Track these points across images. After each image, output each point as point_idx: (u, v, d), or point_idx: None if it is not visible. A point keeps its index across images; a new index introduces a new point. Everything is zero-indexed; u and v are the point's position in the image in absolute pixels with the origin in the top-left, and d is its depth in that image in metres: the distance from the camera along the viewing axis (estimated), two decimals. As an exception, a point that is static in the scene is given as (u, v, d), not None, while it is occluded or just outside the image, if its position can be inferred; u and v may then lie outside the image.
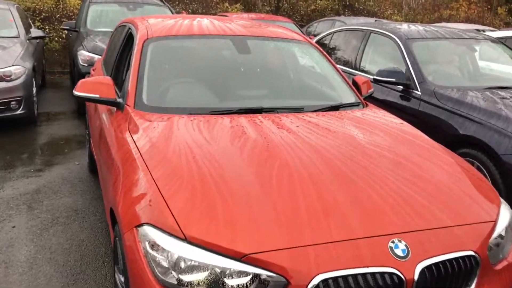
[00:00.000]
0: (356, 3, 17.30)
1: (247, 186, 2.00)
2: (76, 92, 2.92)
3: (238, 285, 1.72)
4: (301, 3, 16.08)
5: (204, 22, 3.56)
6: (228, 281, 1.73)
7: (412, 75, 4.51)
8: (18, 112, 5.87)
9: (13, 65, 5.86)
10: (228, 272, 1.73)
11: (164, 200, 1.91)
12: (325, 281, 1.71)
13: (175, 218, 1.82)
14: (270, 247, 1.74)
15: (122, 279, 2.29)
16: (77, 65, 6.78)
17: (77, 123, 6.53)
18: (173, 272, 1.76)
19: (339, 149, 2.38)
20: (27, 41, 6.87)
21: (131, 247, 1.91)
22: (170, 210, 1.86)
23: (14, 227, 3.55)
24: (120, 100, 2.91)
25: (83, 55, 6.63)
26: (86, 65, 6.57)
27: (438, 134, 3.72)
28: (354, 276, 1.73)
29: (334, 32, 6.28)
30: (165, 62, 3.15)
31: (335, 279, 1.72)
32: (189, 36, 3.31)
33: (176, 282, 1.76)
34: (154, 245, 1.82)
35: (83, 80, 2.95)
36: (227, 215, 1.84)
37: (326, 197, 1.99)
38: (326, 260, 1.73)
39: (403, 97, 4.57)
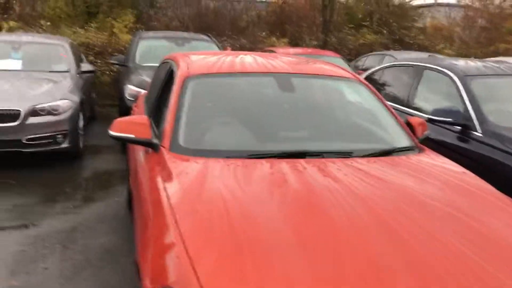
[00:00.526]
0: (406, 37, 16.93)
1: (285, 247, 1.74)
2: (111, 132, 2.80)
3: None
4: (349, 37, 15.89)
5: (247, 59, 3.41)
6: None
7: (471, 115, 4.15)
8: (63, 145, 5.89)
9: (60, 99, 5.93)
10: None
11: (190, 260, 1.69)
12: None
13: (200, 283, 1.60)
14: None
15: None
16: (123, 99, 6.83)
17: (121, 157, 6.49)
18: None
19: (392, 204, 2.10)
20: (77, 75, 7.00)
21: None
22: (196, 272, 1.63)
23: (46, 269, 3.43)
24: (156, 140, 2.76)
25: (130, 89, 6.67)
26: (132, 99, 6.58)
27: (502, 182, 3.34)
28: None
29: (385, 68, 6.01)
30: (204, 101, 3.00)
31: None
32: (230, 74, 3.16)
33: None
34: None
35: (118, 119, 2.84)
36: (259, 282, 1.59)
37: (376, 261, 1.71)
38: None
39: (461, 139, 4.21)
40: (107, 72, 11.17)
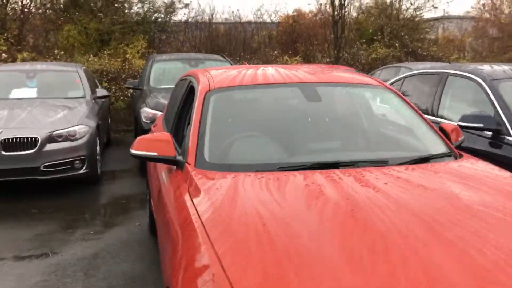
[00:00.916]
0: (419, 49, 16.78)
1: (333, 264, 1.58)
2: (133, 151, 2.69)
3: None
4: (361, 52, 15.79)
5: (269, 71, 3.29)
6: None
7: (503, 119, 3.97)
8: (82, 171, 5.80)
9: (77, 125, 5.87)
10: None
11: (229, 281, 1.53)
12: None
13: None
14: None
15: None
16: (139, 122, 6.75)
17: (139, 181, 6.39)
18: None
19: (441, 211, 1.93)
20: (92, 101, 6.97)
21: None
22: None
23: (68, 298, 3.29)
24: (180, 157, 2.63)
25: (146, 112, 6.59)
26: (149, 121, 6.51)
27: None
28: None
29: (405, 77, 5.85)
30: (228, 115, 2.87)
31: None
32: (253, 86, 3.04)
33: None
34: None
35: (140, 137, 2.73)
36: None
37: (433, 273, 1.53)
38: None
39: (493, 144, 4.02)
40: (122, 98, 11.18)
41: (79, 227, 4.63)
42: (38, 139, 5.46)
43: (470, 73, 4.60)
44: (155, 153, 2.63)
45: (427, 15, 18.50)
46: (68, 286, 3.43)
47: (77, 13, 12.29)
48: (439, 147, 2.80)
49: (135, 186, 6.15)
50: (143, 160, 2.87)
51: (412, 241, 1.70)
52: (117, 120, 10.88)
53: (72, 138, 5.75)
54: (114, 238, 4.36)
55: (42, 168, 5.50)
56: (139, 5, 13.65)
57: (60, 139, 5.65)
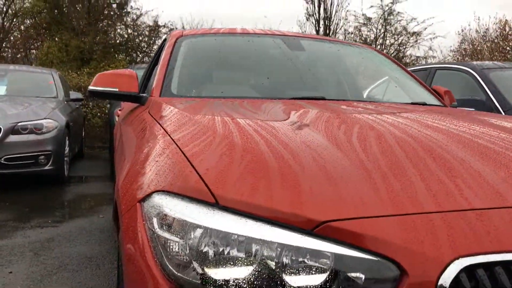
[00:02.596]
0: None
1: (313, 141, 1.28)
2: (91, 87, 2.38)
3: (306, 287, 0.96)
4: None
5: (250, 29, 3.04)
6: (289, 278, 0.97)
7: (495, 104, 3.77)
8: (46, 167, 5.40)
9: (45, 118, 5.52)
10: (289, 256, 0.97)
11: (186, 159, 1.21)
12: (469, 270, 0.92)
13: (201, 177, 1.11)
14: (363, 211, 0.99)
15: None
16: (112, 125, 6.41)
17: (108, 184, 6.00)
18: (194, 264, 1.02)
19: (440, 135, 1.64)
20: (65, 102, 6.64)
21: (130, 232, 1.19)
22: (194, 168, 1.15)
23: (10, 272, 2.86)
24: (144, 94, 2.33)
25: (119, 113, 6.27)
26: (123, 122, 6.19)
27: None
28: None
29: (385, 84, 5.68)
30: (200, 58, 2.60)
31: (487, 266, 0.92)
32: (231, 34, 2.78)
33: (198, 281, 1.01)
34: (165, 221, 1.09)
35: (101, 73, 2.42)
36: (284, 172, 1.11)
37: (442, 155, 1.23)
38: (468, 236, 0.95)
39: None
40: (99, 115, 10.84)
41: (37, 217, 4.20)
42: (0, 129, 5.08)
43: (460, 65, 4.45)
44: (116, 89, 2.32)
45: (411, 52, 18.73)
46: (12, 263, 3.01)
47: (59, 30, 12.08)
48: (432, 100, 2.55)
49: (102, 188, 5.76)
50: (102, 98, 2.52)
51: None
52: (93, 137, 10.53)
53: (38, 131, 5.38)
54: (73, 226, 3.95)
55: (2, 161, 5.09)
56: (123, 27, 13.51)
57: (25, 132, 5.28)
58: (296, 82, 2.45)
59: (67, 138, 5.95)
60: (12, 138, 5.17)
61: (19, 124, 5.24)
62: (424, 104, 2.37)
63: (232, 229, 1.00)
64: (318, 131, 1.43)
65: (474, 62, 4.51)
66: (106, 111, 10.72)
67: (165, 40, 3.04)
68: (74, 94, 7.23)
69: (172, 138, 1.39)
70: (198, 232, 1.03)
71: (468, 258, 0.92)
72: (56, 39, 11.97)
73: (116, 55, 12.61)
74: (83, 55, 12.35)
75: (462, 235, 0.94)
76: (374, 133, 1.42)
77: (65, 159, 5.91)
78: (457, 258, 0.92)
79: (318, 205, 1.00)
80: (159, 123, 1.62)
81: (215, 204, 1.04)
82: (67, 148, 5.98)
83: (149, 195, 1.18)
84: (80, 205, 4.80)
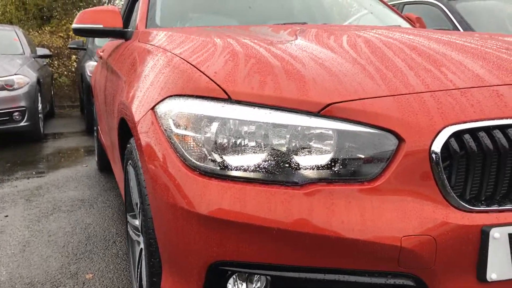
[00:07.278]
0: None
1: (308, 47, 1.39)
2: (75, 25, 2.38)
3: (316, 166, 1.08)
4: None
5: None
6: (300, 159, 1.09)
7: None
8: (22, 124, 5.35)
9: (15, 74, 5.41)
10: (297, 140, 1.09)
11: (193, 66, 1.30)
12: (458, 135, 1.06)
13: (210, 78, 1.21)
14: (363, 94, 1.11)
15: (136, 223, 1.66)
16: (85, 78, 6.34)
17: (86, 138, 5.99)
18: (213, 154, 1.13)
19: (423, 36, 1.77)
20: (32, 58, 6.49)
21: (148, 137, 1.28)
22: (203, 73, 1.24)
23: (6, 216, 2.93)
24: (129, 29, 2.36)
25: (91, 65, 6.19)
26: (95, 76, 6.12)
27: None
28: (502, 128, 1.08)
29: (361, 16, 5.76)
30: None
31: (472, 132, 1.07)
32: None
33: (218, 167, 1.12)
34: (181, 120, 1.19)
35: (83, 11, 2.42)
36: (287, 69, 1.21)
37: (426, 51, 1.36)
38: (455, 108, 1.09)
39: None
40: (66, 73, 10.61)
41: (20, 170, 4.22)
42: (-30, 86, 4.98)
43: (427, -1, 4.56)
44: (101, 25, 2.34)
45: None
46: (6, 209, 3.06)
47: (14, -13, 11.56)
48: (406, 25, 2.67)
49: (80, 142, 5.76)
50: (86, 36, 2.53)
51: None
52: (61, 96, 10.32)
53: (10, 88, 5.28)
54: (59, 175, 3.99)
55: (-25, 119, 5.02)
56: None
57: (-4, 89, 5.19)
58: (277, 10, 2.52)
59: (39, 94, 5.86)
60: (-17, 95, 5.08)
61: (-11, 81, 5.14)
62: (399, 26, 2.49)
63: (246, 118, 1.11)
64: (310, 41, 1.53)
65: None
66: (73, 69, 10.50)
67: None
68: (41, 51, 7.06)
69: (173, 53, 1.47)
70: (215, 124, 1.13)
71: (456, 125, 1.06)
72: (13, -3, 11.47)
73: (77, 12, 12.16)
74: (43, 13, 11.91)
75: (450, 108, 1.08)
76: (361, 39, 1.53)
77: (40, 115, 5.85)
78: (447, 126, 1.05)
79: (323, 91, 1.11)
80: (154, 45, 1.69)
81: (228, 99, 1.15)
82: (40, 105, 5.91)
83: (162, 101, 1.27)
84: (62, 158, 4.82)
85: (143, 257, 1.45)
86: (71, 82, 10.65)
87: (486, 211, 1.06)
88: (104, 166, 3.91)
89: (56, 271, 2.16)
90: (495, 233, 1.03)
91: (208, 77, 1.21)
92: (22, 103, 5.35)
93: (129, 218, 1.82)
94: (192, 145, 1.16)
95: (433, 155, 1.04)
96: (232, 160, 1.12)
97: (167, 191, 1.16)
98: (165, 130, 1.23)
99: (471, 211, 1.05)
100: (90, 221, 2.80)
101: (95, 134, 4.11)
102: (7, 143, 5.49)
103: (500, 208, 1.07)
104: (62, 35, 11.29)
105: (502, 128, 1.07)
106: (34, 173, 4.11)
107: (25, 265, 2.21)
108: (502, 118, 1.08)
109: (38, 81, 5.84)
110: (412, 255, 1.02)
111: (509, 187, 1.08)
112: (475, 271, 1.06)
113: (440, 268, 1.04)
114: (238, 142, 1.13)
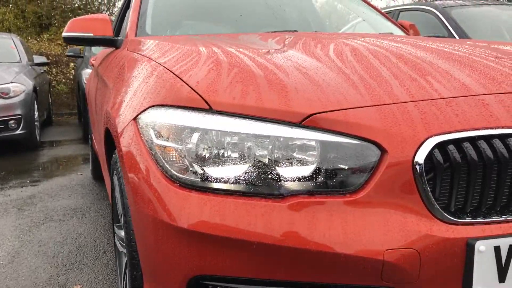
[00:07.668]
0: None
1: (293, 55, 1.38)
2: (65, 34, 2.37)
3: (298, 178, 1.06)
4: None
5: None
6: (282, 171, 1.07)
7: (456, 38, 3.92)
8: (18, 132, 5.33)
9: (12, 82, 5.40)
10: (279, 151, 1.07)
11: (176, 76, 1.28)
12: (442, 146, 1.04)
13: (192, 88, 1.19)
14: (345, 104, 1.09)
15: (122, 234, 1.63)
16: (81, 86, 6.33)
17: (82, 147, 5.97)
18: (194, 166, 1.11)
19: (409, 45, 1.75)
20: (29, 66, 6.49)
21: (129, 148, 1.26)
22: (185, 82, 1.23)
23: (-2, 226, 2.91)
24: (119, 37, 2.35)
25: (87, 73, 6.17)
26: (91, 84, 6.11)
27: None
28: (487, 138, 1.06)
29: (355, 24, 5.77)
30: (173, 2, 2.61)
31: (457, 142, 1.04)
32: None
33: (199, 179, 1.10)
34: (162, 131, 1.17)
35: (73, 19, 2.41)
36: (270, 79, 1.19)
37: (413, 60, 1.34)
38: (439, 118, 1.06)
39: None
40: (64, 80, 10.60)
41: (14, 179, 4.19)
42: (-35, 94, 4.97)
43: (422, 5, 4.57)
44: (91, 34, 2.33)
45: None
46: (-2, 218, 3.05)
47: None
48: (399, 32, 2.66)
49: (76, 150, 5.74)
50: (76, 44, 2.50)
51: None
52: (59, 104, 10.31)
53: (6, 96, 5.27)
54: (53, 184, 3.97)
55: (-29, 127, 5.00)
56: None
57: (-8, 97, 5.17)
58: (268, 18, 2.50)
59: (35, 102, 5.85)
60: (-21, 103, 5.07)
61: (-15, 89, 5.13)
62: (391, 34, 2.47)
63: (227, 129, 1.09)
64: (296, 49, 1.52)
65: (436, 2, 4.63)
66: (71, 76, 10.50)
67: None
68: (38, 58, 7.06)
69: (158, 62, 1.45)
70: (196, 135, 1.11)
71: (440, 136, 1.03)
72: (11, 5, 11.50)
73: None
74: (41, 21, 11.93)
75: (434, 118, 1.06)
76: (348, 48, 1.51)
77: (36, 123, 5.84)
78: (431, 137, 1.03)
79: (305, 101, 1.09)
80: (141, 54, 1.68)
81: (209, 109, 1.13)
82: (36, 113, 5.89)
83: (143, 111, 1.26)
84: (57, 166, 4.80)
85: (128, 269, 1.43)
86: (69, 89, 10.65)
87: (472, 223, 1.04)
88: (99, 175, 3.89)
89: (44, 282, 2.13)
90: (480, 246, 1.01)
91: (190, 87, 1.19)
92: (18, 111, 5.33)
93: (116, 229, 1.80)
94: (173, 157, 1.14)
95: (417, 166, 1.02)
96: (213, 171, 1.10)
97: (147, 203, 1.14)
98: (146, 141, 1.21)
99: (456, 224, 1.03)
100: (81, 231, 2.77)
101: (90, 142, 4.09)
102: (2, 151, 5.46)
103: (485, 220, 1.04)
104: (60, 42, 11.30)
105: (487, 138, 1.05)
106: (28, 181, 4.08)
107: (13, 277, 2.18)
108: (487, 128, 1.06)
109: (34, 89, 5.84)
110: (395, 269, 1.00)
111: (495, 199, 1.06)
112: (460, 285, 1.03)
113: (424, 282, 1.02)
114: (219, 154, 1.11)
